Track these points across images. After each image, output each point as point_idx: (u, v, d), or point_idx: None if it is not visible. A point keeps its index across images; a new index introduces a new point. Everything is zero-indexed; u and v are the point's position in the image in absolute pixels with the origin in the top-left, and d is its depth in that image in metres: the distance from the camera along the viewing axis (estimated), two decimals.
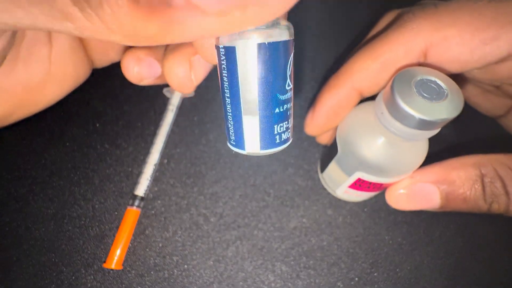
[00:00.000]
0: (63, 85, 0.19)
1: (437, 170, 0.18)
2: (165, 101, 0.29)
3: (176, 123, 0.29)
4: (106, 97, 0.29)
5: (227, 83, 0.12)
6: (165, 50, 0.18)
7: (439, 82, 0.16)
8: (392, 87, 0.15)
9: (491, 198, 0.17)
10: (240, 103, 0.12)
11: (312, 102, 0.30)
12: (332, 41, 0.32)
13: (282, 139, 0.13)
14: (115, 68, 0.30)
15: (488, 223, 0.27)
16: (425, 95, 0.15)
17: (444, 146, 0.29)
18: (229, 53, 0.11)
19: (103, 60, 0.21)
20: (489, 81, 0.21)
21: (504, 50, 0.17)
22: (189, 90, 0.18)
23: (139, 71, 0.18)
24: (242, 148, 0.13)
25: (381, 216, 0.27)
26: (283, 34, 0.12)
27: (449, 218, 0.27)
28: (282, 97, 0.12)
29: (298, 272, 0.26)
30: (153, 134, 0.28)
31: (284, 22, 0.12)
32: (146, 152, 0.28)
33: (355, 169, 0.20)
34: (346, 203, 0.27)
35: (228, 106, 0.12)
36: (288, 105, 0.13)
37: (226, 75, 0.12)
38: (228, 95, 0.12)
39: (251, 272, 0.26)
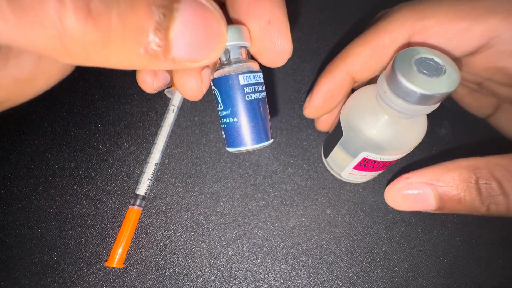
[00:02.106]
0: (51, 78, 0.20)
1: (432, 171, 0.18)
2: (166, 102, 0.29)
3: (177, 123, 0.29)
4: (108, 97, 0.29)
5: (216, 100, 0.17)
6: None
7: (437, 59, 0.17)
8: (393, 66, 0.16)
9: (487, 199, 0.17)
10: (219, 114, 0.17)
11: None
12: (331, 43, 0.33)
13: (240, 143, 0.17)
14: (116, 69, 0.30)
15: (485, 222, 0.27)
16: (424, 72, 0.16)
17: (443, 149, 0.30)
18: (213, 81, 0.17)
19: None
20: (470, 77, 0.23)
21: (477, 41, 0.19)
22: (199, 98, 0.20)
23: (156, 84, 0.20)
24: (232, 149, 0.18)
25: (380, 215, 0.27)
26: (232, 69, 0.16)
27: (447, 218, 0.28)
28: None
29: (297, 270, 0.26)
30: (155, 134, 0.29)
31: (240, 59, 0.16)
32: (148, 152, 0.28)
33: (360, 149, 0.21)
34: (345, 202, 0.28)
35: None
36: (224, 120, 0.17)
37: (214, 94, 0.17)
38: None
39: (251, 270, 0.26)
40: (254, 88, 0.16)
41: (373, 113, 0.20)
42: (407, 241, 0.27)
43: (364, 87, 0.22)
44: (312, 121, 0.30)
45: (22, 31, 0.10)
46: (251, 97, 0.16)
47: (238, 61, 0.16)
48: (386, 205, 0.28)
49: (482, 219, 0.28)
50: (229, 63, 0.16)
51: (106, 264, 0.25)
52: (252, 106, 0.16)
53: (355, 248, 0.27)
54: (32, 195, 0.27)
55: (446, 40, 0.19)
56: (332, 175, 0.28)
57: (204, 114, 0.29)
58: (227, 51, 0.16)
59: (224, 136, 0.17)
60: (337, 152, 0.24)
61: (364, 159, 0.22)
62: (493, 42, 0.19)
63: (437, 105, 0.17)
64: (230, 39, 0.15)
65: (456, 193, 0.17)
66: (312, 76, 0.31)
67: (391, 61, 0.17)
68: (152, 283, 0.25)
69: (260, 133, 0.16)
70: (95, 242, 0.26)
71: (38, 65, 0.19)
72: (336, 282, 0.26)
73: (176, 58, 0.12)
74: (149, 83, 0.20)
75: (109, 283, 0.25)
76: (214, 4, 0.12)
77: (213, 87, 0.17)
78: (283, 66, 0.32)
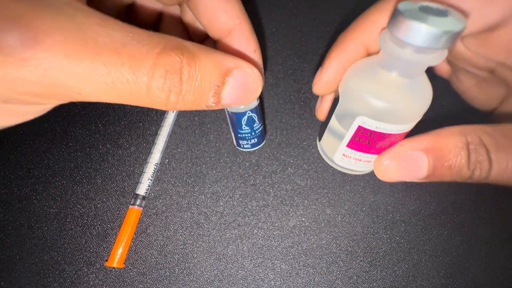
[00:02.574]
0: (9, 120, 0.20)
1: (426, 138, 0.18)
2: None
3: (177, 123, 0.29)
4: None
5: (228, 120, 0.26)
6: None
7: (440, 7, 0.16)
8: (396, 10, 0.16)
9: (474, 165, 0.17)
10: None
11: (311, 102, 0.30)
12: (331, 43, 0.33)
13: (244, 147, 0.26)
14: None
15: (484, 221, 0.28)
16: (430, 13, 0.15)
17: None
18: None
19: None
20: (484, 63, 0.22)
21: (498, 14, 0.17)
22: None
23: None
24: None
25: (380, 215, 0.27)
26: (238, 109, 0.23)
27: (446, 217, 0.28)
28: (241, 132, 0.25)
29: (297, 270, 0.26)
30: (155, 134, 0.29)
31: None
32: (148, 152, 0.28)
33: (357, 114, 0.19)
34: (344, 202, 0.28)
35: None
36: (244, 135, 0.25)
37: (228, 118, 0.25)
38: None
39: (251, 270, 0.26)
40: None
41: (373, 74, 0.18)
42: (407, 241, 0.27)
43: (362, 59, 0.20)
44: (312, 121, 0.30)
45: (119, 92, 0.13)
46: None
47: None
48: (386, 205, 0.28)
49: (481, 218, 0.28)
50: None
51: (106, 264, 0.25)
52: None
53: (355, 248, 0.27)
54: (32, 195, 0.27)
55: (469, 9, 0.18)
56: (332, 174, 0.28)
57: (204, 114, 0.30)
58: None
59: (255, 142, 0.26)
60: (331, 129, 0.22)
61: (360, 128, 0.19)
62: None
63: (443, 55, 0.16)
64: None
65: (449, 158, 0.17)
66: (312, 76, 0.31)
67: (393, 11, 0.16)
68: (152, 283, 0.25)
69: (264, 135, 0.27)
70: (95, 242, 0.26)
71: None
72: (336, 282, 0.26)
73: (223, 105, 0.16)
74: None
75: (109, 283, 0.25)
76: (255, 69, 0.17)
77: (230, 115, 0.24)
78: (283, 66, 0.32)
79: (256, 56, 0.20)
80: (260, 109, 0.25)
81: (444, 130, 0.18)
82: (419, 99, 0.18)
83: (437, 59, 0.16)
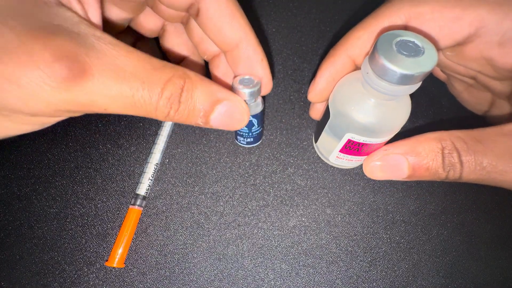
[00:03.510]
0: (6, 133, 0.21)
1: (406, 143, 0.20)
2: None
3: (177, 123, 0.29)
4: None
5: None
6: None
7: (416, 42, 0.18)
8: (375, 48, 0.17)
9: (448, 167, 0.19)
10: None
11: (310, 102, 0.30)
12: (331, 43, 0.33)
13: (241, 143, 0.28)
14: None
15: (484, 221, 0.28)
16: (404, 53, 0.17)
17: None
18: None
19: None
20: (464, 70, 0.24)
21: (466, 30, 0.20)
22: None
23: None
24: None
25: (379, 215, 0.28)
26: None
27: (446, 217, 0.28)
28: (239, 132, 0.27)
29: (297, 270, 0.26)
30: (155, 134, 0.29)
31: None
32: (148, 152, 0.28)
33: (346, 130, 0.22)
34: (344, 202, 0.28)
35: None
36: (243, 133, 0.27)
37: None
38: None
39: (251, 270, 0.26)
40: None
41: (358, 95, 0.20)
42: (406, 241, 0.27)
43: (351, 73, 0.23)
44: (312, 121, 0.30)
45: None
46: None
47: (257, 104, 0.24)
48: (386, 205, 0.28)
49: (481, 218, 0.28)
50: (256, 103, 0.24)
51: (107, 263, 0.25)
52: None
53: (355, 248, 0.27)
54: (32, 195, 0.27)
55: (439, 27, 0.20)
56: (332, 174, 0.28)
57: None
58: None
59: (250, 140, 0.27)
60: (325, 136, 0.25)
61: (349, 141, 0.22)
62: (480, 32, 0.20)
63: (418, 85, 0.18)
64: (256, 94, 0.22)
65: (426, 162, 0.20)
66: (312, 76, 0.31)
67: (373, 44, 0.18)
68: (152, 282, 0.25)
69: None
70: (96, 242, 0.26)
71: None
72: (336, 282, 0.26)
73: (211, 126, 0.19)
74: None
75: (109, 283, 0.25)
76: (244, 104, 0.19)
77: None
78: (283, 66, 0.32)
79: (264, 64, 0.23)
80: (263, 115, 0.27)
81: (423, 136, 0.20)
82: (399, 116, 0.21)
83: (411, 90, 0.18)
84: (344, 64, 0.23)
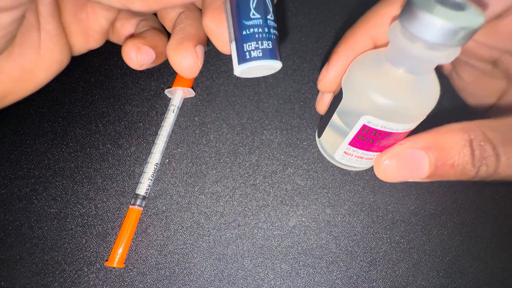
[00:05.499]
0: (50, 70, 0.21)
1: (426, 136, 0.17)
2: (166, 102, 0.30)
3: (177, 123, 0.29)
4: (108, 97, 0.29)
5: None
6: (169, 44, 0.21)
7: (457, 1, 0.15)
8: (410, 0, 0.14)
9: (479, 161, 0.16)
10: (228, 33, 0.17)
11: (311, 102, 0.30)
12: (331, 43, 0.33)
13: (252, 56, 0.16)
14: (116, 69, 0.30)
15: (484, 221, 0.28)
16: (445, 5, 0.14)
17: None
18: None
19: (82, 47, 0.23)
20: (488, 53, 0.21)
21: (504, 3, 0.17)
22: (196, 74, 0.22)
23: (140, 58, 0.22)
24: (235, 72, 0.17)
25: (379, 215, 0.28)
26: None
27: (446, 217, 0.28)
28: (247, 23, 0.16)
29: (297, 270, 0.26)
30: (155, 134, 0.29)
31: None
32: (148, 152, 0.28)
33: (362, 113, 0.18)
34: (344, 202, 0.28)
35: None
36: (255, 30, 0.16)
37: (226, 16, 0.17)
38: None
39: (251, 270, 0.26)
40: None
41: (380, 70, 0.17)
42: (406, 241, 0.27)
43: (370, 51, 0.19)
44: (312, 121, 0.30)
45: None
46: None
47: None
48: (386, 205, 0.28)
49: (481, 218, 0.28)
50: None
51: (107, 263, 0.25)
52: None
53: (355, 248, 0.27)
54: (32, 195, 0.27)
55: None
56: (332, 174, 0.28)
57: (204, 114, 0.30)
58: None
59: (269, 48, 0.16)
60: (333, 126, 0.21)
61: (364, 127, 0.18)
62: None
63: (458, 51, 0.15)
64: None
65: (451, 156, 0.17)
66: (312, 76, 0.31)
67: (406, 1, 0.15)
68: (152, 282, 0.25)
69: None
70: (96, 242, 0.26)
71: (39, 55, 0.21)
72: (336, 282, 0.26)
73: None
74: (133, 58, 0.22)
75: (109, 283, 0.25)
76: None
77: None
78: (283, 66, 0.32)
79: None
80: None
81: (445, 127, 0.17)
82: (427, 97, 0.17)
83: (449, 57, 0.15)
84: (366, 47, 0.19)
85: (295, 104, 0.30)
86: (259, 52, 0.16)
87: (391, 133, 0.18)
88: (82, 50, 0.23)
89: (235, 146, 0.29)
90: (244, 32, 0.16)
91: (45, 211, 0.26)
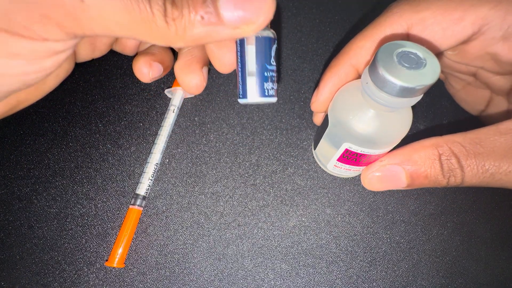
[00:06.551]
0: (58, 78, 0.22)
1: (402, 152, 0.20)
2: (166, 102, 0.30)
3: (177, 123, 0.29)
4: (108, 97, 0.29)
5: (239, 59, 0.20)
6: (178, 65, 0.24)
7: (418, 53, 0.17)
8: (375, 58, 0.17)
9: (448, 173, 0.19)
10: (245, 69, 0.20)
11: (310, 102, 0.30)
12: (331, 43, 0.33)
13: (269, 94, 0.20)
14: (117, 69, 0.30)
15: (484, 221, 0.28)
16: (405, 64, 0.17)
17: None
18: (241, 42, 0.20)
19: (88, 57, 0.24)
20: (465, 68, 0.24)
21: (469, 29, 0.20)
22: (201, 91, 0.25)
23: (152, 74, 0.24)
24: (246, 98, 0.20)
25: (379, 215, 0.28)
26: (268, 33, 0.20)
27: (446, 217, 0.28)
28: (269, 67, 0.20)
29: (297, 270, 0.26)
30: (155, 134, 0.29)
31: (269, 28, 0.20)
32: (148, 152, 0.28)
33: (343, 140, 0.21)
34: (344, 202, 0.28)
35: (240, 72, 0.20)
36: (272, 74, 0.20)
37: (239, 55, 0.20)
38: (240, 66, 0.20)
39: (251, 270, 0.26)
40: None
41: (357, 105, 0.20)
42: (406, 241, 0.27)
43: (353, 81, 0.22)
44: (312, 121, 0.30)
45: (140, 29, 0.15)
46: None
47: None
48: (386, 205, 0.28)
49: (481, 218, 0.28)
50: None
51: (107, 263, 0.25)
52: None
53: (355, 248, 0.27)
54: (32, 195, 0.27)
55: (442, 30, 0.20)
56: (329, 173, 0.28)
57: (204, 114, 0.30)
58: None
59: (275, 88, 0.21)
60: (323, 143, 0.24)
61: (347, 151, 0.22)
62: (483, 29, 0.20)
63: (419, 98, 0.17)
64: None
65: (424, 170, 0.19)
66: (312, 76, 0.31)
67: (374, 55, 0.17)
68: (152, 282, 0.25)
69: None
70: (96, 242, 0.26)
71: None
72: (336, 282, 0.26)
73: (226, 20, 0.15)
74: (145, 73, 0.24)
75: (109, 283, 0.25)
76: None
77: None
78: (283, 66, 0.32)
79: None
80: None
81: (418, 143, 0.20)
82: (399, 128, 0.20)
83: (412, 102, 0.18)
84: (348, 73, 0.23)
85: (295, 104, 0.30)
86: (273, 91, 0.21)
87: (370, 155, 0.21)
88: (87, 59, 0.24)
89: (235, 146, 0.29)
90: (265, 74, 0.20)
91: (45, 211, 0.26)
